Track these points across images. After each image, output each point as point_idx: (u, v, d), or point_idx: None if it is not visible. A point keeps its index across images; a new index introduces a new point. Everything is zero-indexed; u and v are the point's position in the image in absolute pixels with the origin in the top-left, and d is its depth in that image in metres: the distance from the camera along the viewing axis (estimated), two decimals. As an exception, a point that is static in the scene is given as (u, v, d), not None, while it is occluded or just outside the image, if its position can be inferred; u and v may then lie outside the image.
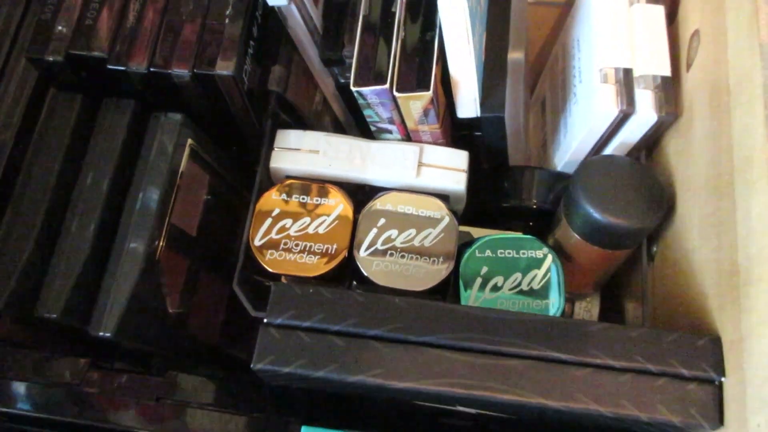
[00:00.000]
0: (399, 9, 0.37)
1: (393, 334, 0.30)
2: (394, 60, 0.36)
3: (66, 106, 0.36)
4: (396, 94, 0.36)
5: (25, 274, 0.33)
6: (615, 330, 0.30)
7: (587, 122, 0.39)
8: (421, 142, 0.41)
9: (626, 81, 0.37)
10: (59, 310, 0.32)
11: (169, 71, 0.34)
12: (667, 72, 0.37)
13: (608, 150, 0.40)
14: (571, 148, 0.42)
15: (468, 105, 0.39)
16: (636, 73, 0.37)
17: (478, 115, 0.39)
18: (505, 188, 0.44)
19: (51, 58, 0.35)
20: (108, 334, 0.32)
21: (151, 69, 0.34)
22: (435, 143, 0.41)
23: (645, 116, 0.36)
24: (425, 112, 0.38)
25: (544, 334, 0.29)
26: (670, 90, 0.36)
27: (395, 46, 0.37)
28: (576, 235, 0.38)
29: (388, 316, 0.30)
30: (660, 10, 0.38)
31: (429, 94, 0.36)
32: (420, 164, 0.40)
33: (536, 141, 0.52)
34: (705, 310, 0.31)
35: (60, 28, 0.35)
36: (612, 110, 0.37)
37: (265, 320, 0.30)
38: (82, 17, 0.35)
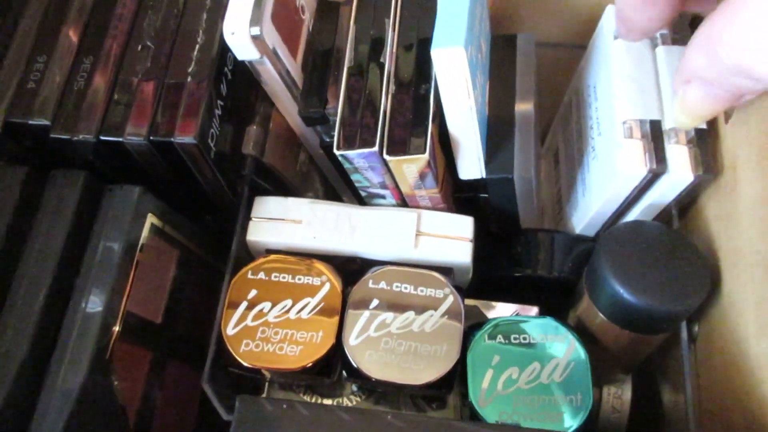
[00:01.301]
0: (389, 60, 0.33)
1: (385, 463, 0.24)
2: (384, 118, 0.32)
3: (8, 181, 0.31)
4: (387, 157, 0.31)
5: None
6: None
7: (610, 183, 0.34)
8: (418, 207, 0.36)
9: (654, 135, 0.32)
10: (-13, 429, 0.27)
11: (121, 139, 0.30)
12: (702, 123, 0.31)
13: (635, 213, 0.35)
14: (591, 210, 0.36)
15: (471, 166, 0.34)
16: (665, 126, 0.32)
17: (483, 176, 0.34)
18: (517, 255, 0.38)
19: (-13, 128, 0.30)
20: (44, 458, 0.27)
21: (101, 137, 0.30)
22: (435, 208, 0.36)
23: (679, 176, 0.31)
24: (422, 176, 0.32)
25: (572, 459, 0.24)
26: (706, 144, 0.31)
27: (385, 102, 0.32)
28: (602, 316, 0.32)
29: (378, 439, 0.24)
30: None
31: (425, 157, 0.31)
32: (418, 233, 0.35)
33: (550, 195, 0.46)
34: (769, 419, 0.26)
35: (-2, 93, 0.30)
36: (640, 170, 0.32)
37: (227, 446, 0.25)
38: (24, 80, 0.31)
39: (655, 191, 0.33)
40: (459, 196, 0.37)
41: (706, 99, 0.25)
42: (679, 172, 0.31)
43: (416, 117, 0.32)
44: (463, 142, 0.33)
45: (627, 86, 0.33)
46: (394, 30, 0.33)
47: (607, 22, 0.35)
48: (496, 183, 0.35)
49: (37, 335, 0.29)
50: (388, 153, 0.31)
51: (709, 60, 0.23)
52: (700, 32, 0.23)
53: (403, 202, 0.36)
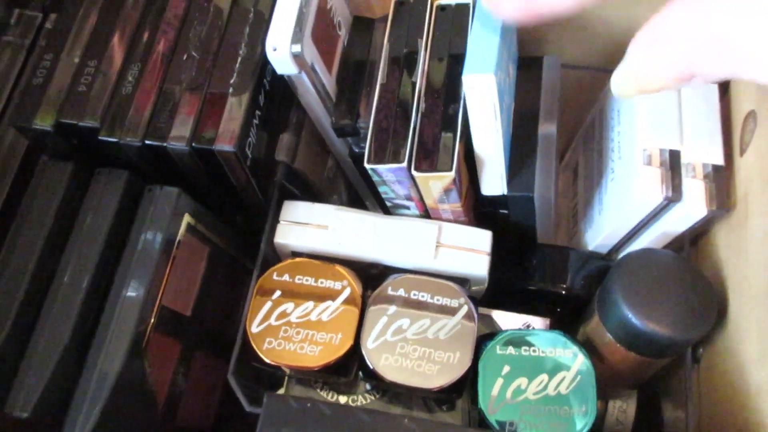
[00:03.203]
0: (420, 79, 0.34)
1: (399, 464, 0.26)
2: (413, 135, 0.33)
3: (55, 176, 0.33)
4: (414, 173, 0.33)
5: (-2, 364, 0.30)
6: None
7: (626, 205, 0.35)
8: (440, 219, 0.37)
9: (672, 165, 0.33)
10: (30, 409, 0.29)
11: (165, 144, 0.31)
12: (720, 160, 0.32)
13: (647, 238, 0.36)
14: (605, 230, 0.38)
15: (494, 183, 0.35)
16: (684, 159, 0.33)
17: (505, 193, 0.36)
18: (531, 268, 0.40)
19: (39, 126, 0.32)
20: (82, 440, 0.29)
21: (146, 142, 0.32)
22: (456, 221, 0.37)
23: (692, 208, 0.32)
24: (446, 192, 0.34)
25: (574, 472, 0.25)
26: (722, 181, 0.32)
27: (415, 119, 0.33)
28: (610, 336, 0.34)
29: (394, 441, 0.26)
30: (713, 89, 0.34)
31: (451, 174, 0.32)
32: (438, 244, 0.36)
33: (566, 209, 0.48)
34: (765, 445, 0.27)
35: (51, 93, 0.32)
36: (655, 197, 0.33)
37: (254, 440, 0.27)
38: (75, 83, 0.32)
39: (668, 220, 0.34)
40: (480, 211, 0.39)
41: (662, 68, 0.23)
42: (694, 205, 0.32)
43: (444, 135, 0.33)
44: (488, 161, 0.34)
45: (650, 115, 0.34)
46: (425, 49, 0.35)
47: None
48: (517, 200, 0.36)
49: (79, 322, 0.31)
50: (416, 169, 0.32)
51: (691, 24, 0.21)
52: None
53: (426, 214, 0.37)
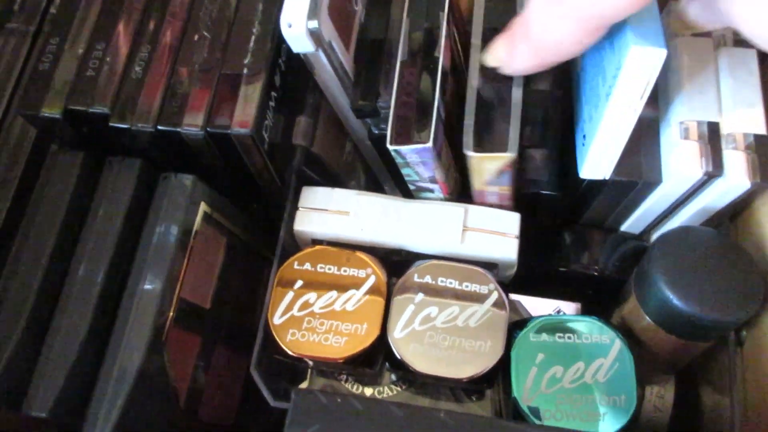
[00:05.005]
0: (443, 53, 0.32)
1: (436, 459, 0.24)
2: (438, 113, 0.31)
3: (66, 166, 0.32)
4: (470, 153, 0.31)
5: (13, 363, 0.29)
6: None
7: (663, 183, 0.33)
8: (484, 203, 0.35)
9: (711, 137, 0.31)
10: (48, 408, 0.28)
11: (179, 129, 0.30)
12: (762, 129, 0.31)
13: (684, 214, 0.34)
14: (639, 209, 0.36)
15: (600, 166, 0.32)
16: (724, 130, 0.31)
17: (606, 177, 0.33)
18: (564, 250, 0.38)
19: (47, 114, 0.30)
20: (103, 439, 0.28)
21: (159, 127, 0.30)
22: (500, 205, 0.35)
23: (734, 182, 0.31)
24: (500, 173, 0.32)
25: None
26: (765, 151, 0.30)
27: (439, 96, 0.32)
28: (648, 319, 0.32)
29: (430, 435, 0.25)
30: (752, 55, 0.32)
31: (512, 155, 0.30)
32: (465, 228, 0.35)
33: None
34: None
35: (58, 80, 0.31)
36: (695, 172, 0.31)
37: (283, 437, 0.25)
38: (83, 68, 0.31)
39: (707, 195, 0.32)
40: (523, 192, 0.37)
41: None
42: (735, 178, 0.30)
43: (495, 114, 0.31)
44: (608, 142, 0.31)
45: (686, 86, 0.32)
46: (448, 23, 0.33)
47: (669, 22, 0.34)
48: (618, 185, 0.33)
49: (96, 317, 0.30)
50: (474, 149, 0.30)
51: None
52: None
53: (451, 197, 0.36)
